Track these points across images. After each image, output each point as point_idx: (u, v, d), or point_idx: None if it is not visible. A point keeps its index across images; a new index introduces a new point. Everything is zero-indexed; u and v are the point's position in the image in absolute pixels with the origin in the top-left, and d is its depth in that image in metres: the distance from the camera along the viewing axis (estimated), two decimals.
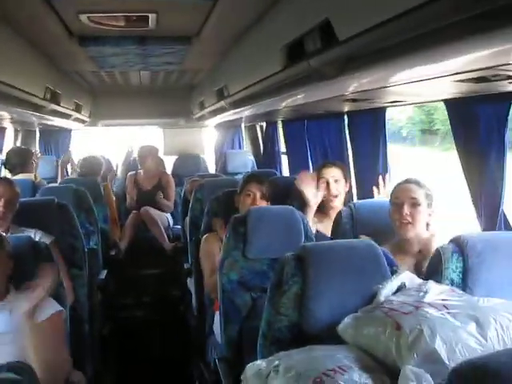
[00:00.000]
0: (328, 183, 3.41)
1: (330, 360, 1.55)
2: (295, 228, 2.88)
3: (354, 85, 2.17)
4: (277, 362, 1.62)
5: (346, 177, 3.51)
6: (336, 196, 3.42)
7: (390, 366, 1.54)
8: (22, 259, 2.53)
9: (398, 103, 3.00)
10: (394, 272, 1.98)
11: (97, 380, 3.18)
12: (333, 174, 3.44)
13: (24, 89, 2.85)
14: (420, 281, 1.92)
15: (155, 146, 6.45)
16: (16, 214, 3.15)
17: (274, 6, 2.23)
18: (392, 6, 1.27)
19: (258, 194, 3.40)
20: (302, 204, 3.45)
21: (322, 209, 3.51)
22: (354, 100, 2.73)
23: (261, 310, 2.26)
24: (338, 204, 3.42)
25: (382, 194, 3.34)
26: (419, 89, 2.26)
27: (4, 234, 2.58)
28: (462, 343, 1.49)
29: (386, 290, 1.85)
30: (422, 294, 1.77)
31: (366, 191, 3.59)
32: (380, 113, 3.34)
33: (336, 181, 3.43)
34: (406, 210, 2.59)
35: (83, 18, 2.60)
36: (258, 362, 1.72)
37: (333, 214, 3.27)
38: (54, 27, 2.76)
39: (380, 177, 3.36)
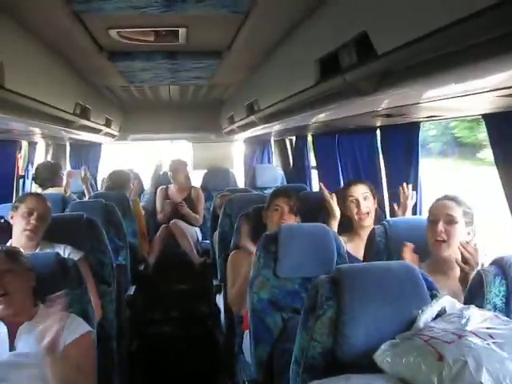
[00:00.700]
0: (358, 201, 3.36)
1: None
2: (328, 246, 2.82)
3: (390, 100, 2.11)
4: None
5: (374, 194, 3.45)
6: (367, 213, 3.37)
7: None
8: (50, 276, 2.54)
9: (434, 118, 2.93)
10: (433, 296, 1.88)
11: None
12: (362, 191, 3.39)
13: (55, 105, 2.86)
14: (461, 305, 1.83)
15: (184, 160, 6.47)
16: (46, 230, 3.14)
17: (307, 19, 2.19)
18: (434, 19, 1.22)
19: (286, 209, 3.35)
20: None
21: (352, 228, 3.45)
22: (388, 115, 2.67)
23: (292, 331, 2.21)
24: (368, 222, 3.36)
25: (400, 213, 3.30)
26: (457, 104, 2.19)
27: (21, 250, 2.57)
28: (510, 376, 1.40)
29: (426, 316, 1.76)
30: (464, 320, 1.67)
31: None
32: (414, 128, 3.28)
33: (365, 198, 3.38)
34: (441, 227, 2.52)
35: (113, 33, 2.59)
36: None
37: (363, 234, 3.26)
38: (84, 42, 2.75)
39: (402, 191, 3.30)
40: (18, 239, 3.00)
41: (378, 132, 3.82)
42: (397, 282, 1.87)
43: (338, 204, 3.49)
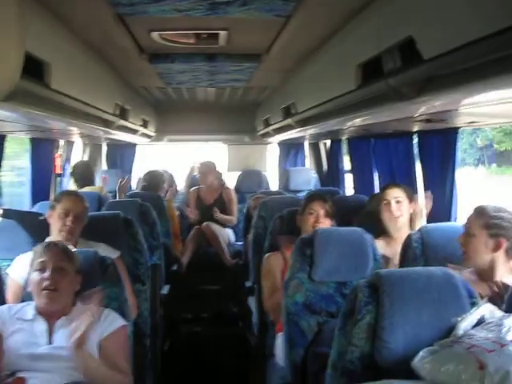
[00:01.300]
0: (389, 204, 3.37)
1: None
2: (364, 251, 2.82)
3: (432, 105, 2.10)
4: None
5: (411, 198, 3.43)
6: (397, 217, 3.36)
7: None
8: (89, 274, 2.58)
9: (474, 124, 2.92)
10: (473, 304, 1.87)
11: None
12: (395, 194, 3.38)
13: (96, 105, 2.92)
14: (501, 313, 1.82)
15: (213, 161, 6.49)
16: (84, 227, 3.19)
17: (348, 23, 2.21)
18: (482, 25, 1.23)
19: (322, 213, 3.34)
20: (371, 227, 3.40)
21: (387, 233, 3.45)
22: (428, 120, 2.66)
23: (327, 335, 2.24)
24: (402, 225, 3.36)
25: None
26: (498, 110, 2.18)
27: (74, 249, 2.63)
28: None
29: (465, 324, 1.75)
30: (504, 329, 1.66)
31: (435, 213, 3.52)
32: (452, 133, 3.26)
33: (398, 202, 3.37)
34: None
35: (154, 35, 2.64)
36: None
37: (399, 238, 3.25)
38: (126, 44, 2.81)
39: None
40: (56, 238, 3.06)
41: (416, 137, 3.78)
42: (436, 289, 1.86)
43: (374, 207, 3.52)
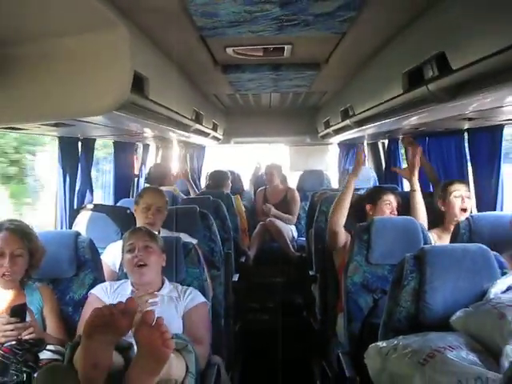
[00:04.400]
0: (463, 197, 3.57)
1: (442, 341, 1.81)
2: (415, 237, 3.12)
3: (467, 106, 2.39)
4: (395, 342, 1.91)
5: (471, 196, 3.65)
6: (465, 210, 3.56)
7: (494, 349, 1.77)
8: (174, 257, 2.96)
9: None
10: (504, 273, 2.19)
11: (228, 368, 3.50)
12: (466, 189, 3.61)
13: (179, 111, 3.29)
14: None
15: (279, 163, 6.77)
16: (165, 220, 3.59)
17: (394, 39, 2.49)
18: (499, 39, 1.52)
19: (395, 204, 3.68)
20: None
21: (442, 225, 3.69)
22: (469, 119, 2.93)
23: (381, 309, 2.53)
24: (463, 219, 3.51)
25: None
26: None
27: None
28: None
29: (496, 289, 2.07)
30: None
31: (482, 204, 3.71)
32: (497, 130, 3.47)
33: (468, 197, 3.59)
34: None
35: (229, 50, 2.97)
36: (379, 343, 2.00)
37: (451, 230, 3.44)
38: (204, 58, 3.16)
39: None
40: None
41: (466, 135, 3.97)
42: (472, 260, 2.19)
43: (438, 201, 3.72)
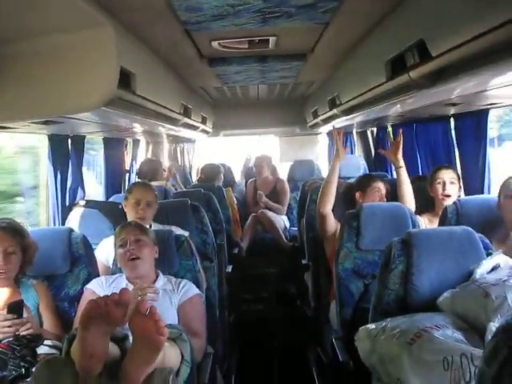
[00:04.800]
0: (444, 184, 3.60)
1: (429, 321, 1.87)
2: (403, 222, 3.17)
3: (450, 92, 2.45)
4: (384, 324, 1.96)
5: (459, 181, 3.67)
6: (449, 196, 3.58)
7: (479, 326, 1.83)
8: (166, 250, 2.99)
9: (495, 105, 3.20)
10: (489, 254, 2.25)
11: (224, 359, 3.55)
12: (450, 175, 3.62)
13: (166, 105, 3.32)
14: None
15: (269, 155, 6.79)
16: (157, 213, 3.61)
17: (376, 28, 2.55)
18: (476, 25, 1.56)
19: (384, 191, 3.74)
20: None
21: (433, 210, 3.72)
22: (453, 104, 2.97)
23: (372, 293, 2.57)
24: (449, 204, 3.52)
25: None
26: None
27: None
28: None
29: (481, 270, 2.12)
30: None
31: (469, 187, 3.75)
32: (482, 114, 3.50)
33: (452, 183, 3.61)
34: None
35: (215, 44, 3.02)
36: (369, 325, 2.06)
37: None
38: (190, 52, 3.20)
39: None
40: None
41: (452, 121, 3.99)
42: (458, 242, 2.25)
43: (426, 187, 3.75)
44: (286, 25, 2.60)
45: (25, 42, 1.67)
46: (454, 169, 3.73)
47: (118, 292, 1.77)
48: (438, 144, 4.37)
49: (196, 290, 2.86)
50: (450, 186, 3.60)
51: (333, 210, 3.74)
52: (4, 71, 1.68)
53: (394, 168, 5.90)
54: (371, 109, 3.33)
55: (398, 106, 3.10)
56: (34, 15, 1.45)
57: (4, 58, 1.67)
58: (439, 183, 3.62)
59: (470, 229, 2.33)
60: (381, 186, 3.75)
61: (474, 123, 3.65)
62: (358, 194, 3.82)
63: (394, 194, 3.83)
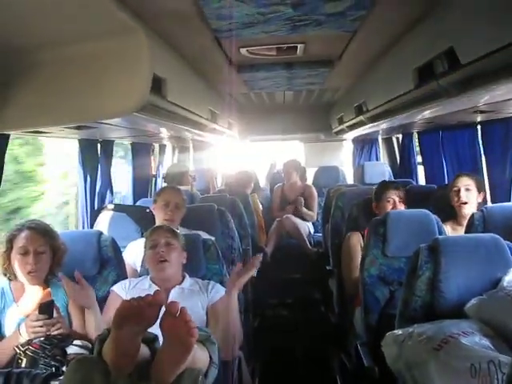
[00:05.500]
0: (459, 191, 3.59)
1: (456, 327, 1.87)
2: (429, 229, 3.14)
3: (478, 99, 2.45)
4: (411, 330, 1.97)
5: (480, 188, 3.64)
6: (465, 203, 3.57)
7: (507, 334, 1.83)
8: (194, 253, 3.02)
9: None
10: None
11: (248, 363, 3.57)
12: (465, 183, 3.61)
13: (195, 111, 3.37)
14: None
15: (298, 160, 6.71)
16: (184, 217, 3.65)
17: (404, 35, 2.56)
18: (506, 34, 1.58)
19: (397, 199, 3.71)
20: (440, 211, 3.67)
21: (455, 218, 3.70)
22: (481, 112, 2.97)
23: (398, 300, 2.57)
24: (468, 212, 3.51)
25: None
26: None
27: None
28: None
29: (509, 277, 2.12)
30: None
31: (497, 195, 3.74)
32: (510, 122, 3.49)
33: (467, 189, 3.59)
34: None
35: (243, 51, 3.06)
36: (396, 331, 2.07)
37: (465, 223, 3.42)
38: (218, 59, 3.23)
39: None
40: None
41: (479, 128, 3.98)
42: (485, 250, 2.25)
43: (445, 195, 3.74)
44: (315, 32, 2.63)
45: (59, 50, 1.70)
46: (472, 175, 3.69)
47: (140, 294, 1.82)
48: (464, 151, 4.37)
49: (224, 292, 2.87)
50: (464, 192, 3.59)
51: (357, 223, 3.77)
52: (40, 79, 1.72)
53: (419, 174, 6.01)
54: (398, 116, 3.32)
55: (425, 113, 3.10)
56: (67, 23, 1.48)
57: (39, 65, 1.71)
58: (455, 191, 3.62)
59: (497, 236, 2.33)
60: (393, 195, 3.72)
61: (501, 131, 3.63)
62: (374, 205, 3.83)
63: (421, 199, 3.84)
